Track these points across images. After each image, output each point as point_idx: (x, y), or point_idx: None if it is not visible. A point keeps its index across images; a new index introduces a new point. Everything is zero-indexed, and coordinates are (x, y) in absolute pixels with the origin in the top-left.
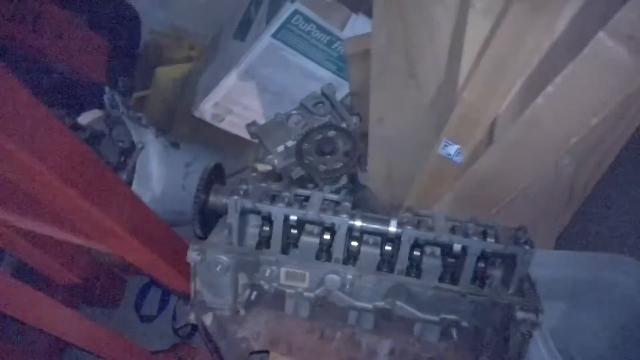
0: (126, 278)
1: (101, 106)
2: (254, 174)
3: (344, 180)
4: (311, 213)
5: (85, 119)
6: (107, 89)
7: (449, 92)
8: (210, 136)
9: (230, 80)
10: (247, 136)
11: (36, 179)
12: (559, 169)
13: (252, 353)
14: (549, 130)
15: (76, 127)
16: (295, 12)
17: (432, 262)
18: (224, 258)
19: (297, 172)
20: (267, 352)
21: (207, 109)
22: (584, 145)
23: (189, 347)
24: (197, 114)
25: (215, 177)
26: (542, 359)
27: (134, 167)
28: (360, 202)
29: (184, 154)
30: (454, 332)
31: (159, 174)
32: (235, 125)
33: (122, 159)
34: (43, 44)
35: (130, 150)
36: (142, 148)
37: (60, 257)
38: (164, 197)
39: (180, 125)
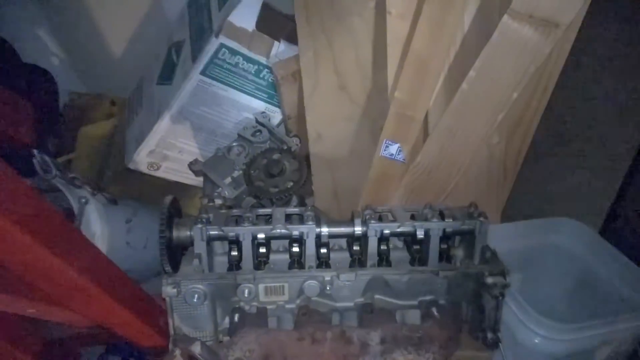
0: (80, 352)
1: (28, 174)
2: (211, 204)
3: (294, 202)
4: (279, 227)
5: None
6: (36, 152)
7: (379, 98)
8: (146, 189)
9: (163, 124)
10: (185, 181)
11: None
12: (490, 148)
13: None
14: (477, 112)
15: None
16: (221, 46)
17: (397, 254)
18: (199, 287)
19: (248, 201)
20: None
21: (141, 159)
22: (508, 122)
23: None
24: (132, 166)
25: (174, 212)
26: (516, 318)
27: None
28: None
29: (123, 209)
30: (434, 311)
31: (102, 233)
32: (172, 171)
33: None
34: None
35: (70, 215)
36: (84, 205)
37: (10, 335)
38: (110, 255)
39: (113, 183)
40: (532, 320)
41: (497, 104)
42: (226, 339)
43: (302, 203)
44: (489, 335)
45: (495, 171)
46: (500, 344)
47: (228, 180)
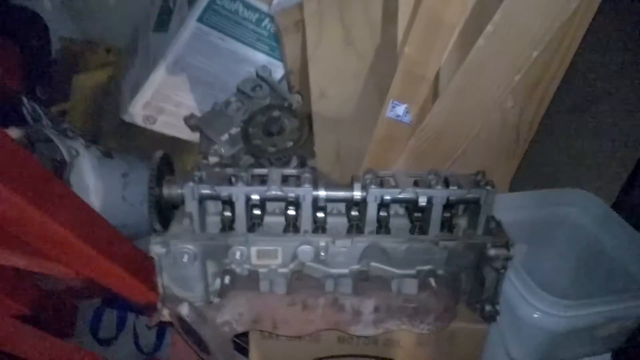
0: (77, 305)
1: (20, 123)
2: (205, 161)
3: (294, 163)
4: (274, 188)
5: None
6: (25, 99)
7: (387, 54)
8: (143, 143)
9: (159, 74)
10: (183, 136)
11: None
12: (504, 112)
13: (236, 335)
14: (492, 72)
15: None
16: None
17: (398, 221)
18: (189, 247)
19: (246, 160)
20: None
21: (137, 111)
22: (525, 84)
23: None
24: (127, 118)
25: (164, 168)
26: (517, 292)
27: (68, 183)
28: None
29: (119, 163)
30: (432, 281)
31: (96, 187)
32: (169, 125)
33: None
34: None
35: (61, 166)
36: (75, 158)
37: (5, 287)
38: (105, 210)
39: (109, 136)
40: (532, 294)
41: (515, 63)
42: (216, 300)
43: (302, 164)
44: (487, 307)
45: (507, 138)
46: (498, 317)
47: (225, 137)
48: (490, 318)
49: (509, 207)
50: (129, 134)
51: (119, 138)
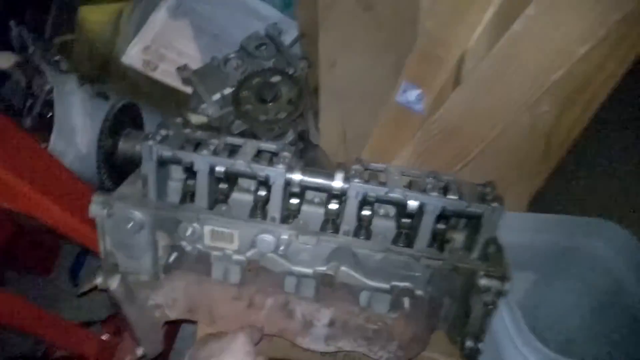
0: (58, 245)
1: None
2: (178, 120)
3: (290, 137)
4: (240, 163)
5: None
6: (13, 24)
7: (410, 28)
8: (147, 91)
9: (160, 16)
10: (184, 89)
11: None
12: (534, 116)
13: (166, 323)
14: (526, 65)
15: None
16: None
17: (384, 223)
18: (136, 214)
19: (238, 125)
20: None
21: (136, 54)
22: (566, 87)
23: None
24: (125, 60)
25: (127, 118)
26: (507, 334)
27: (43, 113)
28: (310, 164)
29: None
30: (406, 302)
31: (84, 128)
32: (170, 74)
33: (29, 103)
34: None
35: (38, 95)
36: (51, 90)
37: None
38: (92, 155)
39: (114, 79)
40: (524, 341)
41: (555, 58)
42: (163, 276)
43: (301, 139)
44: (469, 343)
45: (534, 147)
46: (478, 356)
47: (217, 96)
48: (470, 356)
49: (523, 228)
50: (135, 80)
51: (123, 81)
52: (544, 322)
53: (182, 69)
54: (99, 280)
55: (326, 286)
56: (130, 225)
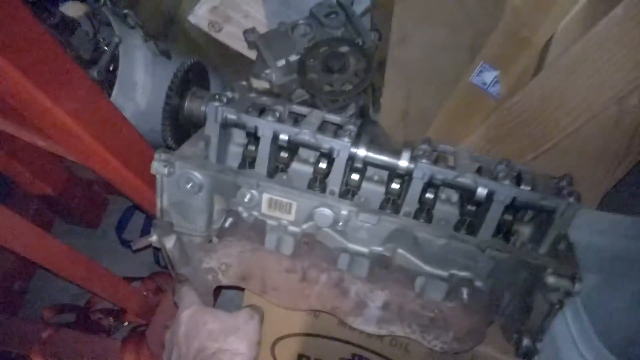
0: (107, 198)
1: None
2: (244, 83)
3: (351, 111)
4: (306, 132)
5: (68, 9)
6: None
7: (493, 3)
8: (209, 53)
9: None
10: (246, 52)
11: None
12: (622, 110)
13: (218, 287)
14: (620, 52)
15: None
16: None
17: (446, 208)
18: (196, 175)
19: (299, 94)
20: (237, 288)
21: (203, 14)
22: None
23: (169, 276)
24: (192, 19)
25: (194, 78)
26: (569, 337)
27: (109, 66)
28: None
29: (176, 66)
30: (465, 292)
31: (145, 85)
32: (234, 37)
33: (97, 54)
34: None
35: (107, 45)
36: (119, 44)
37: (32, 165)
38: (150, 112)
39: (177, 37)
40: (587, 344)
41: None
42: (216, 239)
43: (362, 114)
44: (526, 342)
45: (617, 142)
46: (536, 357)
47: (281, 62)
48: (526, 355)
49: (590, 228)
50: (197, 39)
51: (186, 40)
52: (603, 327)
53: (249, 32)
54: (154, 238)
55: (382, 268)
56: (190, 185)
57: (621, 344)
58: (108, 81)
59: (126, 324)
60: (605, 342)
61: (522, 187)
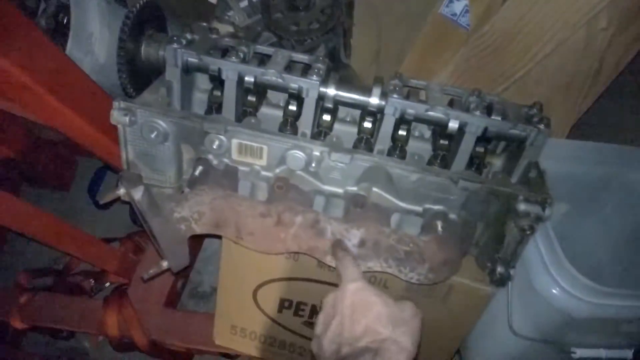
0: (76, 159)
1: None
2: (204, 24)
3: (320, 53)
4: (272, 72)
5: None
6: None
7: None
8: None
9: None
10: None
11: None
12: (591, 33)
13: (192, 237)
14: None
15: None
16: None
17: (419, 145)
18: (160, 122)
19: (265, 37)
20: (209, 236)
21: None
22: (628, 5)
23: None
24: None
25: (149, 19)
26: (540, 260)
27: (57, 12)
28: None
29: None
30: (439, 225)
31: (102, 35)
32: None
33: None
34: None
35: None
36: None
37: None
38: (111, 65)
39: None
40: (556, 266)
41: None
42: (187, 190)
43: (332, 57)
44: (500, 269)
45: (587, 67)
46: (510, 282)
47: (244, 2)
48: (500, 282)
49: (560, 156)
50: None
51: None
52: (573, 253)
53: None
54: (121, 191)
55: (357, 207)
56: (154, 134)
57: (591, 270)
58: (62, 34)
59: (108, 284)
60: (576, 268)
61: (493, 117)
